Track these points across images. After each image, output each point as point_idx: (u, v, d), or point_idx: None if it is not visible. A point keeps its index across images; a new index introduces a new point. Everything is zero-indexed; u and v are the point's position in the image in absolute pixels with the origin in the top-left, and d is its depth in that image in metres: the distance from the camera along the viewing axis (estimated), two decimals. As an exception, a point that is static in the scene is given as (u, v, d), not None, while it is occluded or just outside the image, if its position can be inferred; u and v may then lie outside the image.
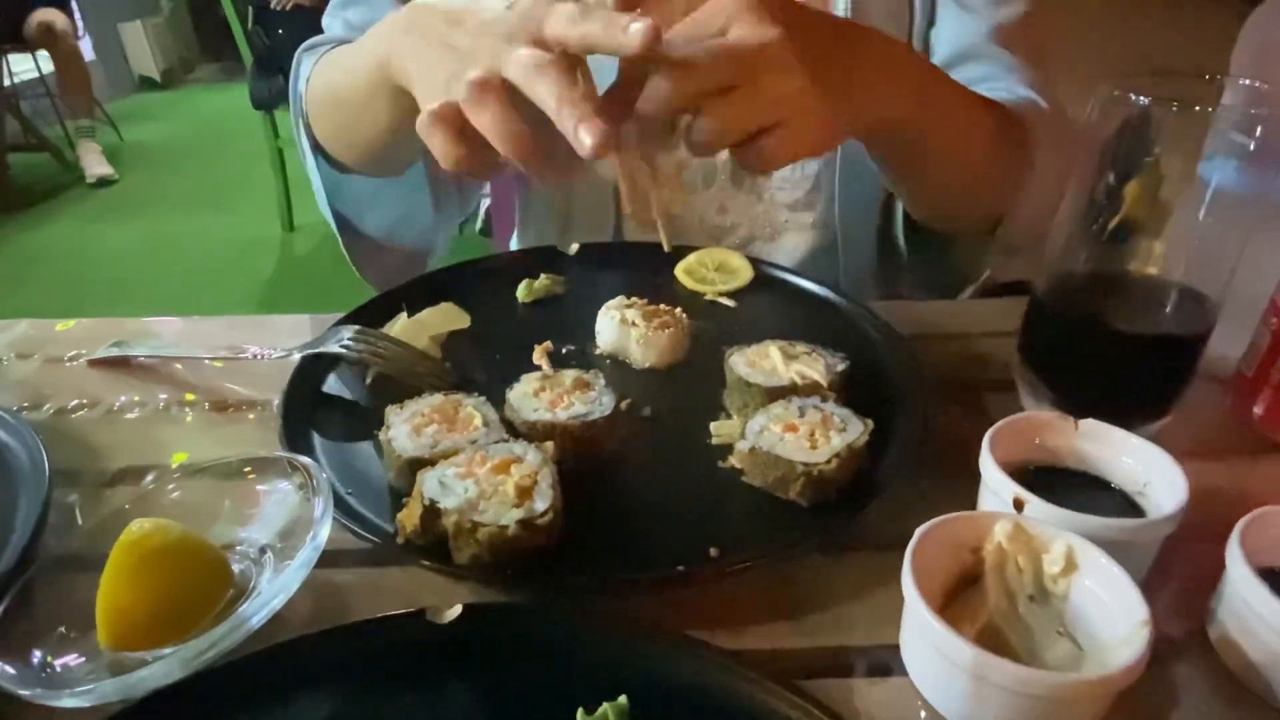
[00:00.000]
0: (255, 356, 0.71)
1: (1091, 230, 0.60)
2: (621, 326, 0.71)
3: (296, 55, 0.85)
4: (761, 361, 0.65)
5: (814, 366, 0.63)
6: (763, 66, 0.53)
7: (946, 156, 0.73)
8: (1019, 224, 0.80)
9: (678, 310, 0.73)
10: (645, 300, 0.74)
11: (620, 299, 0.74)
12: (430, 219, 0.91)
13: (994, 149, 0.75)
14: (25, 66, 4.25)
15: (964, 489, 0.55)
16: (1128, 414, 0.56)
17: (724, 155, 0.88)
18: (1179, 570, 0.51)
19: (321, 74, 0.79)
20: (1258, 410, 0.64)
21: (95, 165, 4.05)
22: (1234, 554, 0.45)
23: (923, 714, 0.45)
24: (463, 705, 0.43)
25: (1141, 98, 0.53)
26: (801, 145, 0.58)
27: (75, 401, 0.70)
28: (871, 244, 0.96)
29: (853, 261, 0.95)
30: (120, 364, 0.75)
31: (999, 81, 0.84)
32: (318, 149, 0.82)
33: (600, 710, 0.40)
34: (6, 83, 4.05)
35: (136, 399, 0.71)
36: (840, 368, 0.64)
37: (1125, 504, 0.53)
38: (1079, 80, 0.71)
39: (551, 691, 0.43)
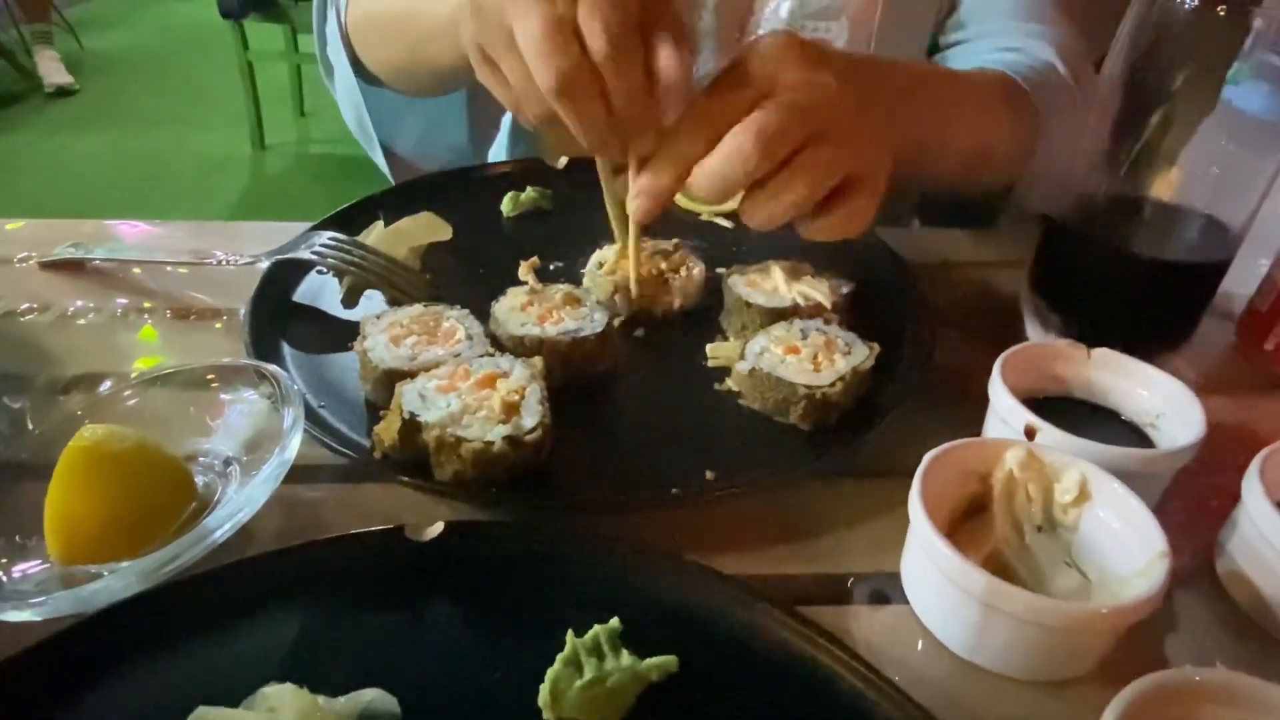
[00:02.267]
0: (221, 262, 0.67)
1: (1114, 155, 0.57)
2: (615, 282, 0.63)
3: None
4: (762, 282, 0.61)
5: (818, 288, 0.60)
6: (827, 120, 0.48)
7: (956, 153, 0.71)
8: (1034, 189, 0.78)
9: (675, 250, 0.66)
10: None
11: (607, 253, 0.66)
12: (461, 134, 0.92)
13: (1000, 133, 0.72)
14: (-25, -36, 3.98)
15: (966, 418, 0.53)
16: (1140, 345, 0.54)
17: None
18: (1185, 504, 0.50)
19: (376, 6, 0.78)
20: (1269, 346, 0.62)
21: (53, 74, 3.83)
22: (1252, 487, 0.44)
23: (921, 642, 0.43)
24: (443, 628, 0.41)
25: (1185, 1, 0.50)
26: (876, 194, 0.52)
27: (25, 305, 0.65)
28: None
29: None
30: (75, 267, 0.70)
31: (1015, 41, 0.79)
32: (357, 65, 0.82)
33: (591, 633, 0.38)
34: (-45, -18, 3.80)
35: (92, 304, 0.66)
36: (845, 290, 0.61)
37: (1135, 436, 0.51)
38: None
39: (538, 613, 0.40)
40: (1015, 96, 0.73)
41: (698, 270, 0.64)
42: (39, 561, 0.43)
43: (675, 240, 0.67)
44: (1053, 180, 0.76)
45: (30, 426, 0.54)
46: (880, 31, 0.81)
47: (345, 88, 0.85)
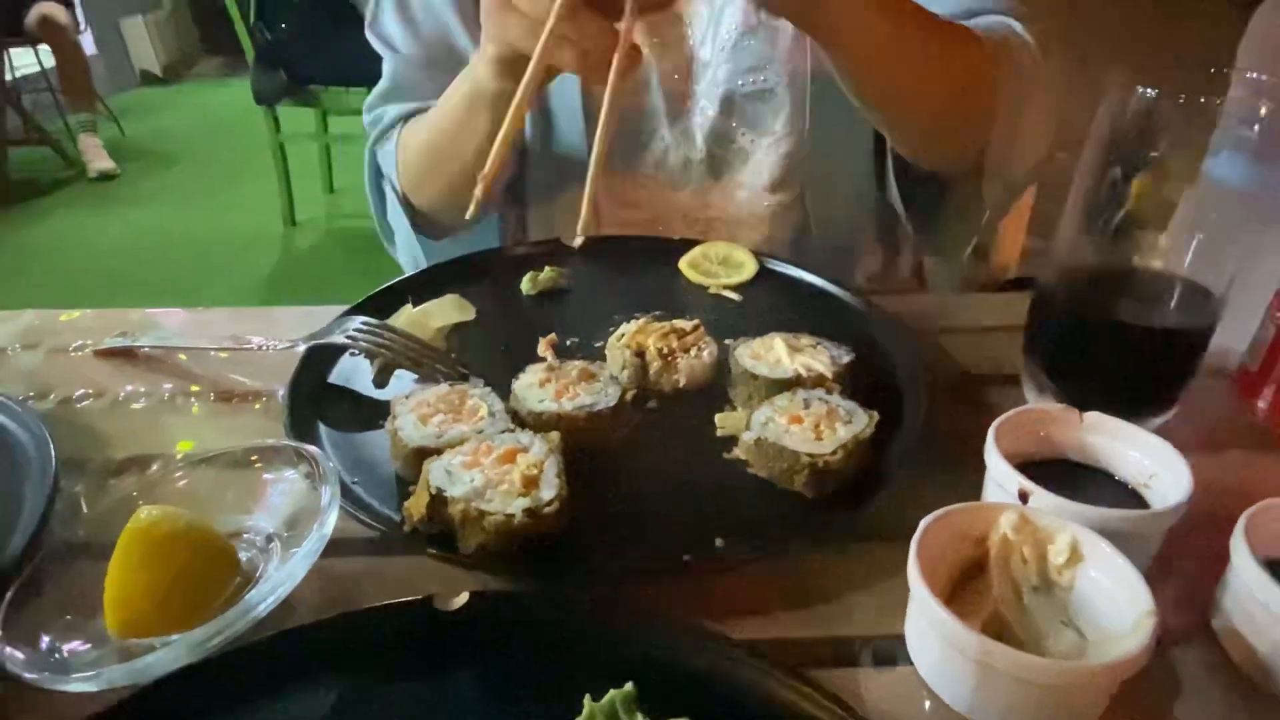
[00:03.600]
0: (260, 347, 0.72)
1: (1097, 224, 0.60)
2: (633, 360, 0.66)
3: (370, 152, 0.98)
4: (766, 354, 0.65)
5: (819, 359, 0.63)
6: None
7: (907, 61, 0.74)
8: (999, 150, 0.82)
9: (694, 330, 0.68)
10: (653, 315, 0.71)
11: (630, 326, 0.69)
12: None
13: (955, 61, 0.77)
14: (27, 60, 4.23)
15: (968, 481, 0.55)
16: (1132, 408, 0.56)
17: (698, 153, 0.91)
18: (1182, 562, 0.51)
19: (415, 130, 0.91)
20: (1261, 404, 0.64)
21: (97, 159, 4.05)
22: (1239, 546, 0.45)
23: (928, 703, 0.45)
24: (469, 692, 0.43)
25: (1149, 90, 0.53)
26: None
27: (81, 391, 0.70)
28: (848, 219, 0.98)
29: (828, 237, 0.96)
30: (125, 354, 0.75)
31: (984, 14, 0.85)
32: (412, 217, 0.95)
33: (607, 698, 0.40)
34: (8, 77, 4.03)
35: (142, 389, 0.71)
36: (845, 360, 0.64)
37: (1130, 497, 0.53)
38: (1089, 78, 0.72)
39: (558, 679, 0.43)
40: (973, 40, 0.77)
41: (708, 352, 0.67)
42: (96, 635, 0.46)
43: (696, 320, 0.70)
44: (1020, 137, 0.80)
45: (85, 509, 0.58)
46: (815, 72, 0.87)
47: (406, 246, 0.98)
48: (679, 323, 0.69)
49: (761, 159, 0.93)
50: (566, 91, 0.90)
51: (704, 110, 0.92)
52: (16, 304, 0.84)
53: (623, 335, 0.69)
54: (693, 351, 0.67)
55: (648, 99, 0.92)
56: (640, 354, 0.67)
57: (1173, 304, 0.60)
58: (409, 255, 0.99)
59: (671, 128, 0.93)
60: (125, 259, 3.33)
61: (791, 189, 0.94)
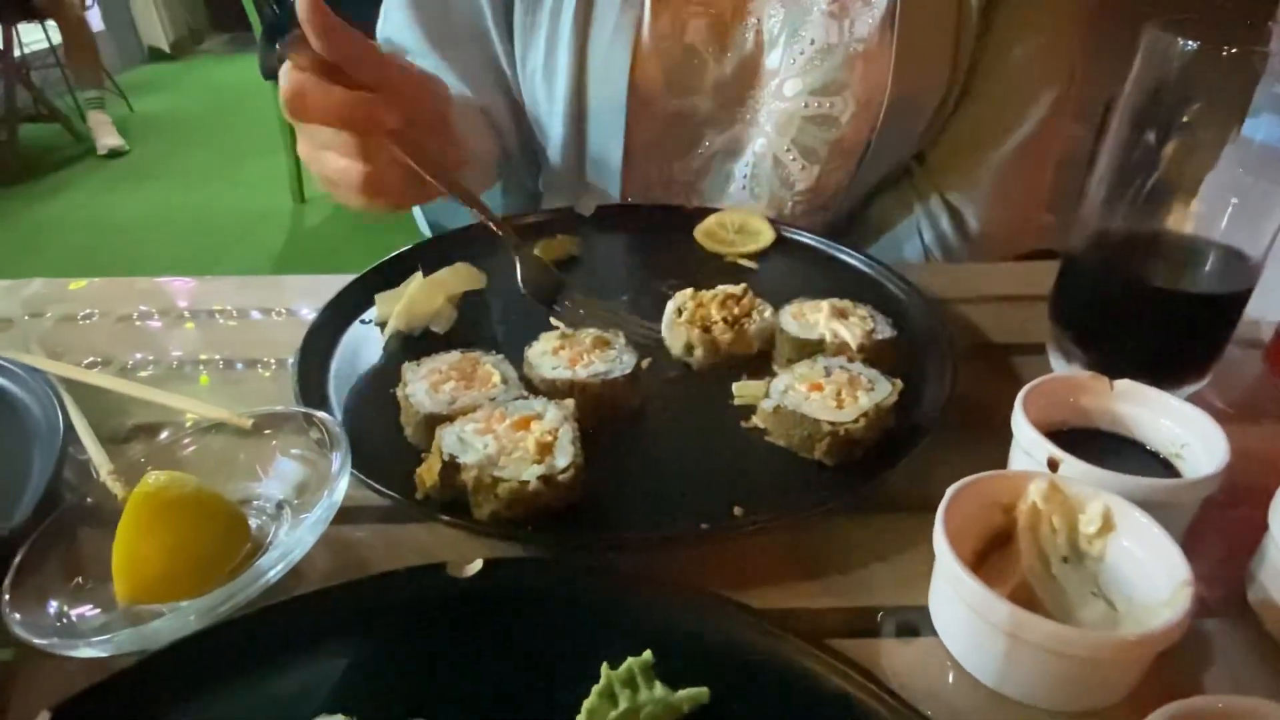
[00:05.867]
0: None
1: (1129, 188, 0.58)
2: (703, 337, 0.64)
3: None
4: (808, 315, 0.63)
5: (851, 329, 0.61)
6: None
7: None
8: None
9: (745, 294, 0.66)
10: (670, 284, 0.69)
11: (674, 304, 0.67)
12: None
13: None
14: (35, 37, 4.21)
15: (991, 452, 0.54)
16: (1164, 376, 0.55)
17: (743, 167, 0.88)
18: (1214, 534, 0.50)
19: None
20: (1296, 374, 0.62)
21: (106, 136, 4.04)
22: (1278, 516, 0.44)
23: (952, 675, 0.44)
24: (483, 661, 0.42)
25: (1188, 42, 0.51)
26: None
27: (89, 359, 0.69)
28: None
29: None
30: (134, 322, 0.74)
31: None
32: None
33: (624, 666, 0.40)
34: (17, 53, 4.02)
35: (150, 357, 0.70)
36: (880, 335, 0.62)
37: (1161, 466, 0.51)
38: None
39: (573, 647, 0.42)
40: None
41: (769, 312, 0.65)
42: (104, 600, 0.46)
43: (744, 285, 0.67)
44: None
45: (95, 475, 0.57)
46: (889, 109, 0.82)
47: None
48: (727, 288, 0.67)
49: (807, 183, 0.88)
50: (612, 88, 0.84)
51: (760, 124, 0.86)
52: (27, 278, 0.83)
53: (681, 312, 0.66)
54: (754, 315, 0.65)
55: (700, 101, 0.86)
56: (707, 328, 0.64)
57: (1207, 269, 0.58)
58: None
59: (720, 135, 0.88)
60: (134, 236, 3.32)
61: (830, 214, 0.92)
